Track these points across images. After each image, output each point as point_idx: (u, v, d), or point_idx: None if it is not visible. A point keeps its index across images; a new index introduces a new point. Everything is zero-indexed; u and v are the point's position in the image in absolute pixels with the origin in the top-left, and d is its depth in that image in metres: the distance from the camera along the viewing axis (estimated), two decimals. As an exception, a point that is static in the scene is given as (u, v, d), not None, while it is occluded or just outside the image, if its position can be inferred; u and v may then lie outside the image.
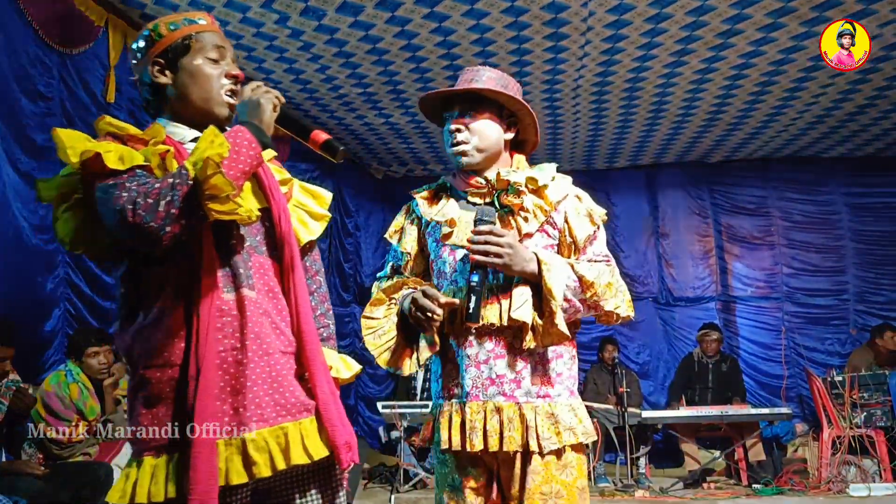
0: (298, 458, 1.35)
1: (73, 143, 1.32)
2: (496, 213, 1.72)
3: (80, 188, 1.39)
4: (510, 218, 1.75)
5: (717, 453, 6.06)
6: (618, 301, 1.75)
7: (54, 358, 4.07)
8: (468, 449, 1.66)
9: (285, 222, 1.49)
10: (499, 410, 1.67)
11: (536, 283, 1.67)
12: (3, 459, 3.50)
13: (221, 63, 1.50)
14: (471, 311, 1.63)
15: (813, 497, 5.26)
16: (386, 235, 1.93)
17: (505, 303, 1.69)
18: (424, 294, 1.65)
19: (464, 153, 1.78)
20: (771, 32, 4.91)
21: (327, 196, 1.67)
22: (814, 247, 7.75)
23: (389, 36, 4.92)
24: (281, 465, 1.33)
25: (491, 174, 1.79)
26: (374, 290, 1.86)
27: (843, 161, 7.75)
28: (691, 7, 4.58)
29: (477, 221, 1.69)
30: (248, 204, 1.38)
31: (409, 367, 1.74)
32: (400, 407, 5.94)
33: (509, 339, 1.70)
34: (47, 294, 4.06)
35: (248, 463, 1.31)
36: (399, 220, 1.92)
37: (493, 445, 1.64)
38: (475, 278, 1.64)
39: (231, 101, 1.50)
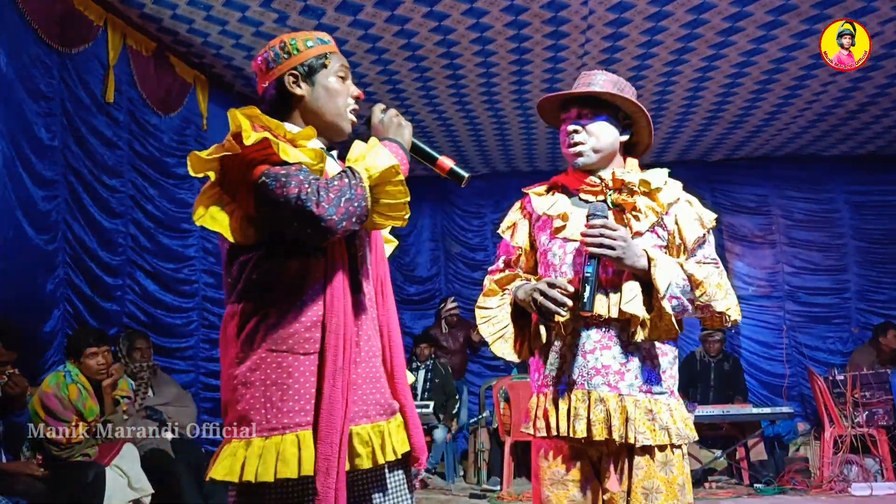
0: (390, 455, 1.48)
1: (246, 126, 1.41)
2: (608, 209, 1.80)
3: (219, 168, 1.45)
4: (621, 216, 1.82)
5: (719, 452, 6.05)
6: (729, 302, 1.81)
7: (54, 359, 4.06)
8: (571, 435, 1.72)
9: (381, 237, 1.68)
10: (602, 401, 1.72)
11: (646, 279, 1.73)
12: (4, 460, 3.49)
13: (347, 83, 1.63)
14: (585, 300, 1.69)
15: (815, 496, 5.25)
16: (499, 231, 2.02)
17: (615, 296, 1.75)
18: (551, 284, 1.72)
19: (580, 153, 1.86)
20: (772, 30, 4.89)
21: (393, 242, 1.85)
22: (815, 245, 7.74)
23: (389, 35, 4.90)
24: (381, 460, 1.45)
25: (605, 174, 1.87)
26: (486, 282, 1.94)
27: (845, 159, 7.73)
28: (692, 5, 4.57)
29: (590, 216, 1.76)
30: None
31: (523, 353, 1.83)
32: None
33: (616, 331, 1.76)
34: (47, 295, 4.05)
35: (351, 455, 1.42)
36: (512, 216, 2.01)
37: (598, 434, 1.70)
38: (589, 269, 1.70)
39: (354, 119, 1.65)
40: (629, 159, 1.95)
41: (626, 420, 1.71)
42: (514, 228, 1.98)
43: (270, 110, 1.58)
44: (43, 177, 4.01)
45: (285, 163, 1.39)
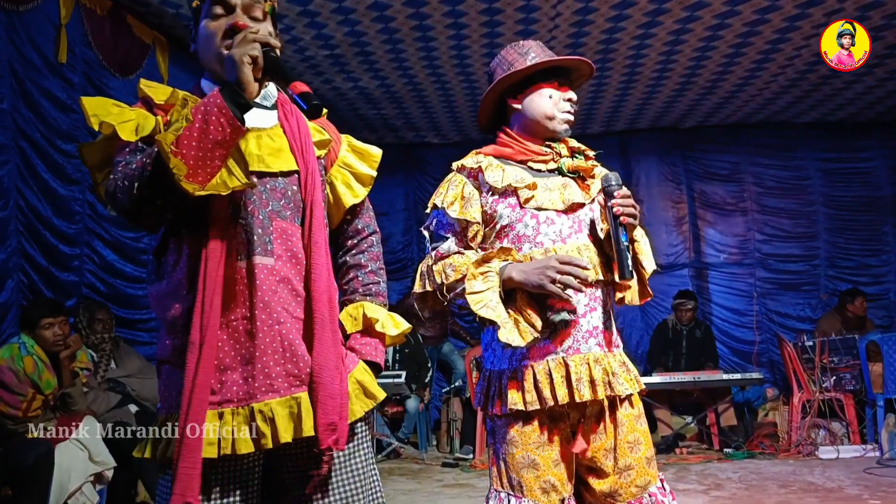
0: (310, 431, 1.34)
1: (96, 111, 1.32)
2: (619, 178, 1.84)
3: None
4: (580, 181, 1.89)
5: (690, 419, 6.10)
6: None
7: (10, 331, 3.91)
8: (577, 399, 1.74)
9: (311, 186, 1.45)
10: (598, 360, 1.79)
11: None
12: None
13: (222, 20, 1.44)
14: (627, 270, 1.76)
15: (783, 460, 5.32)
16: (441, 206, 1.88)
17: (595, 258, 1.84)
18: (565, 261, 1.71)
19: (572, 123, 1.92)
20: (746, -8, 4.82)
21: (377, 154, 1.67)
22: (786, 213, 7.78)
23: (356, -5, 4.74)
24: (287, 437, 1.33)
25: (554, 143, 1.92)
26: (444, 266, 1.82)
27: (816, 126, 7.75)
28: (666, -35, 4.47)
29: (610, 187, 1.80)
30: (238, 175, 1.31)
31: (526, 336, 1.72)
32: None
33: (600, 293, 1.84)
34: (0, 265, 3.89)
35: (257, 433, 1.33)
36: (455, 189, 1.89)
37: (602, 394, 1.75)
38: (625, 238, 1.77)
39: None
40: None
41: (613, 374, 1.79)
42: (466, 202, 1.86)
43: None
44: (-10, 141, 3.83)
45: (129, 143, 1.35)
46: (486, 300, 1.72)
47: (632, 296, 1.87)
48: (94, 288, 4.58)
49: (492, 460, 1.86)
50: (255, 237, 1.38)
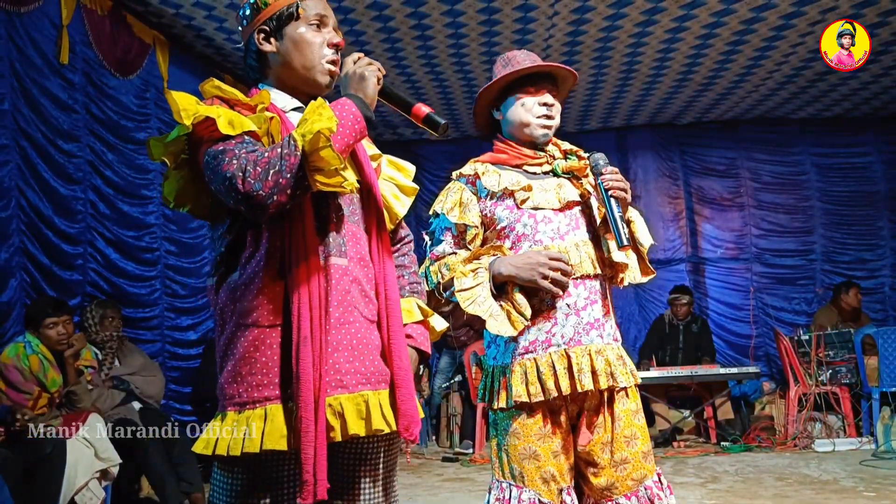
0: (379, 425, 1.40)
1: (186, 106, 1.36)
2: (605, 158, 1.92)
3: (187, 149, 1.43)
4: (573, 181, 1.95)
5: (687, 412, 6.15)
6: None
7: (14, 330, 3.94)
8: (579, 390, 1.79)
9: (376, 196, 1.56)
10: (600, 352, 1.84)
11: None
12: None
13: (323, 31, 1.53)
14: (623, 237, 1.80)
15: (779, 453, 5.38)
16: (441, 212, 1.99)
17: (593, 253, 1.90)
18: (554, 258, 1.80)
19: (552, 126, 1.97)
20: (742, -10, 4.86)
21: (411, 169, 1.76)
22: (782, 208, 7.83)
23: (355, -6, 4.77)
24: (359, 431, 1.38)
25: (548, 147, 1.99)
26: (440, 266, 1.93)
27: (812, 122, 7.79)
28: (662, -37, 4.50)
29: (598, 166, 1.88)
30: (349, 176, 1.40)
31: (517, 325, 1.81)
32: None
33: (598, 286, 1.90)
34: (2, 264, 3.92)
35: (328, 427, 1.36)
36: (454, 196, 1.99)
37: (604, 384, 1.81)
38: (617, 210, 1.82)
39: (332, 69, 1.53)
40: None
41: (611, 366, 1.84)
42: (464, 207, 1.97)
43: (250, 71, 1.58)
44: (-9, 141, 3.86)
45: (228, 137, 1.35)
46: (474, 296, 1.82)
47: (633, 274, 1.94)
48: (97, 286, 4.61)
49: (494, 452, 1.92)
50: (331, 238, 1.45)
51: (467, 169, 2.03)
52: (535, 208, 1.91)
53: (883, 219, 7.70)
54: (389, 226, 1.66)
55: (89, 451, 3.50)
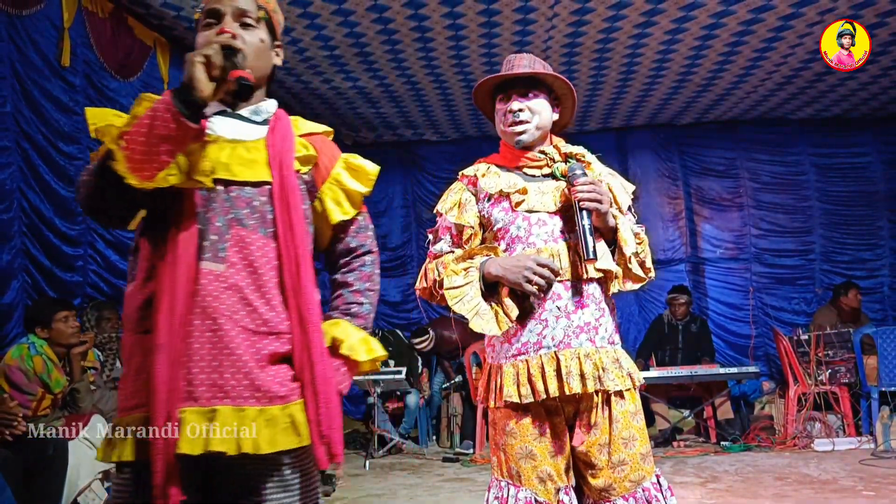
0: (220, 447, 1.28)
1: (95, 120, 1.36)
2: (583, 167, 1.92)
3: None
4: (569, 187, 1.92)
5: (687, 412, 6.17)
6: (649, 261, 1.99)
7: (16, 331, 3.96)
8: (566, 392, 1.80)
9: (288, 200, 1.44)
10: (588, 356, 1.84)
11: (609, 236, 1.90)
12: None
13: (214, 28, 1.46)
14: (590, 250, 1.80)
15: (779, 453, 5.39)
16: (442, 212, 2.05)
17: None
18: (542, 264, 1.80)
19: (524, 131, 1.96)
20: (741, -9, 4.87)
21: (373, 171, 1.60)
22: (781, 208, 7.84)
23: (355, -4, 4.78)
24: (191, 450, 1.27)
25: (547, 149, 2.00)
26: (434, 265, 1.97)
27: (811, 122, 7.80)
28: (661, -35, 4.51)
29: (572, 175, 1.88)
30: (245, 175, 1.38)
31: (502, 325, 1.83)
32: (373, 373, 5.94)
33: (591, 290, 1.89)
34: (4, 265, 3.93)
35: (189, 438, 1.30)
36: (454, 196, 2.04)
37: (592, 387, 1.81)
38: (587, 221, 1.82)
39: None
40: (554, 136, 2.08)
41: (603, 370, 1.84)
42: (462, 207, 2.01)
43: None
44: (-7, 143, 3.87)
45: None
46: (462, 294, 1.85)
47: (619, 284, 1.94)
48: (98, 288, 4.63)
49: (493, 450, 1.95)
50: (208, 242, 1.38)
51: (470, 170, 2.06)
52: (530, 211, 1.92)
53: (882, 219, 7.72)
54: (326, 234, 1.58)
55: (91, 452, 3.51)
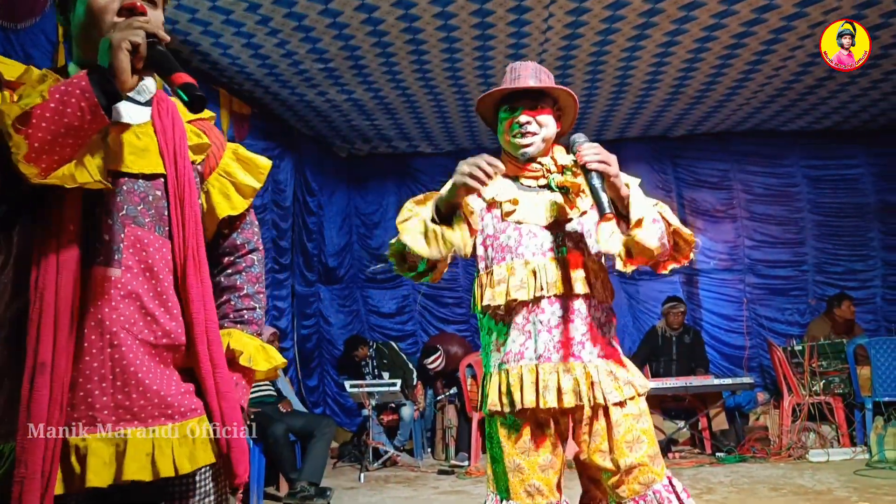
0: (136, 474, 1.15)
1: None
2: (586, 137, 1.91)
3: None
4: (567, 197, 1.94)
5: (682, 424, 6.17)
6: (685, 231, 1.95)
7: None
8: (541, 405, 1.79)
9: (183, 194, 1.29)
10: (569, 370, 1.83)
11: (622, 208, 1.82)
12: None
13: None
14: (605, 205, 1.74)
15: (774, 463, 5.40)
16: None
17: (577, 272, 1.87)
18: (486, 160, 1.75)
19: (531, 144, 1.96)
20: (732, 5, 4.92)
21: (265, 164, 1.49)
22: (774, 219, 7.88)
23: (349, 9, 4.81)
24: (99, 483, 1.13)
25: (544, 160, 1.99)
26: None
27: (803, 134, 7.86)
28: (654, -21, 4.55)
29: (575, 142, 1.88)
30: (140, 167, 1.20)
31: (432, 245, 1.75)
32: (368, 386, 5.94)
33: (577, 306, 1.87)
34: None
35: (68, 472, 1.13)
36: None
37: (569, 403, 1.80)
38: (598, 181, 1.77)
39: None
40: (555, 145, 2.08)
41: (592, 384, 1.82)
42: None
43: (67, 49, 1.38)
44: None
45: None
46: (407, 227, 1.80)
47: (624, 264, 1.88)
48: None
49: (488, 465, 1.95)
50: (100, 244, 1.21)
51: None
52: (520, 222, 1.93)
53: (873, 230, 7.77)
54: (210, 229, 1.44)
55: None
